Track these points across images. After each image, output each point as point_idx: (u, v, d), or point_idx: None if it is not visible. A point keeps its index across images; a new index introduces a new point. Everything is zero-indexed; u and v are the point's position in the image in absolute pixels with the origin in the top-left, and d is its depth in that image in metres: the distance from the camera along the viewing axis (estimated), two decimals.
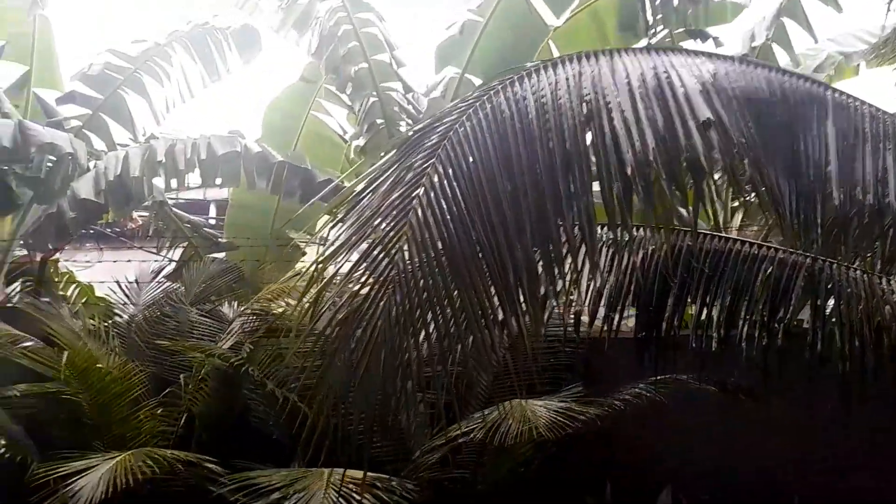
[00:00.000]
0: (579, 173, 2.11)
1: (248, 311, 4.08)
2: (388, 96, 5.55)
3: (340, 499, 2.68)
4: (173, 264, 6.03)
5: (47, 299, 5.46)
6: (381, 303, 2.09)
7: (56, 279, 6.77)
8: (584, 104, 2.24)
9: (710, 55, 2.69)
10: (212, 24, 5.94)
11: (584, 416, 3.21)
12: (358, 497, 2.71)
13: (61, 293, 6.59)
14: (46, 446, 3.68)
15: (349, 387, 2.74)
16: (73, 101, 5.85)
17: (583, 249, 2.31)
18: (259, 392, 3.85)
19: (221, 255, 5.80)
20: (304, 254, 6.37)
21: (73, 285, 7.44)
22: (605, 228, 2.52)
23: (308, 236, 6.25)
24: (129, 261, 5.69)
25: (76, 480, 2.91)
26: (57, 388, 3.80)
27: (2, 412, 3.53)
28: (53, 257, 5.90)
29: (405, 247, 1.97)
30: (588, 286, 2.93)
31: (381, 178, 2.26)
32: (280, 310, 3.90)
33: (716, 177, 2.50)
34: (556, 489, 3.86)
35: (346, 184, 5.22)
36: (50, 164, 5.36)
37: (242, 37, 6.05)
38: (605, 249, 2.86)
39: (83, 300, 6.84)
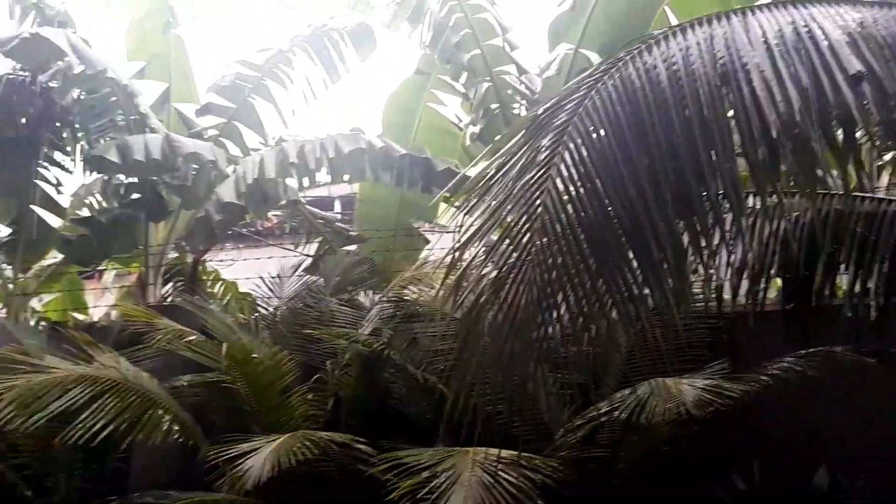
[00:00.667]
0: (720, 139, 2.03)
1: (385, 299, 4.25)
2: (502, 80, 5.56)
3: (487, 476, 2.75)
4: (309, 259, 6.40)
5: (199, 297, 5.97)
6: (518, 285, 2.12)
7: (204, 278, 7.36)
8: (719, 67, 2.15)
9: (853, 3, 2.50)
10: (329, 25, 6.19)
11: (731, 392, 3.09)
12: (504, 475, 2.77)
13: (210, 290, 7.18)
14: (211, 431, 4.03)
15: (487, 368, 2.80)
16: (210, 112, 6.31)
17: (723, 221, 2.24)
18: (399, 375, 4.01)
19: (353, 247, 6.07)
20: (427, 242, 6.55)
21: (220, 283, 8.08)
22: (751, 196, 2.42)
23: (430, 225, 6.43)
24: (269, 257, 6.08)
25: (243, 462, 3.16)
26: (217, 378, 4.13)
27: (173, 400, 3.88)
28: (202, 258, 6.38)
29: (540, 227, 1.98)
30: (728, 258, 2.82)
31: (511, 162, 2.29)
32: (414, 296, 4.03)
33: (857, 134, 2.33)
34: (701, 468, 3.76)
35: (464, 171, 5.31)
36: (194, 173, 5.84)
37: (358, 35, 6.26)
38: (748, 218, 2.73)
39: (229, 296, 7.41)
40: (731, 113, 2.08)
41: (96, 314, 8.61)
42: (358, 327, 4.35)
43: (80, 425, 3.35)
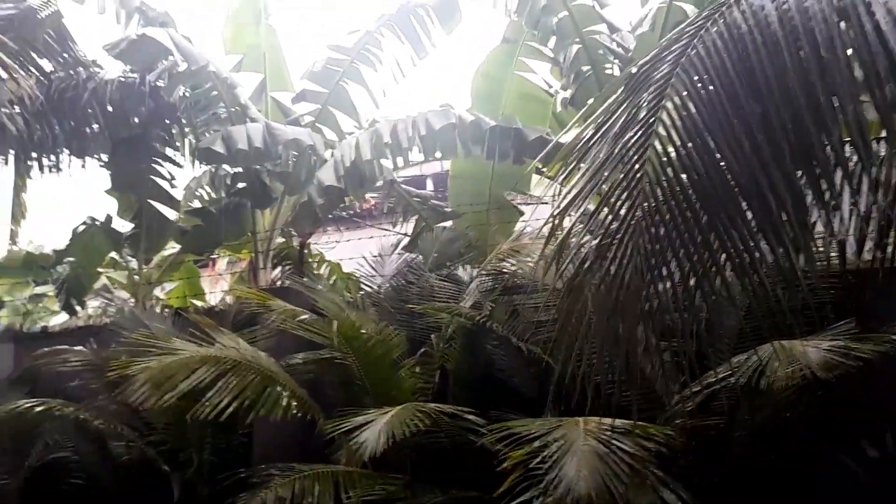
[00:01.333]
0: (841, 81, 1.87)
1: (483, 272, 4.26)
2: (593, 41, 5.37)
3: (600, 445, 2.72)
4: (407, 237, 6.52)
5: (307, 278, 6.22)
6: (623, 247, 2.06)
7: (310, 260, 7.65)
8: (835, 2, 1.98)
9: None
10: (414, 2, 6.19)
11: (860, 353, 2.88)
12: (618, 444, 2.73)
13: (316, 272, 7.46)
14: (326, 405, 4.20)
15: (593, 337, 2.74)
16: (304, 99, 6.49)
17: (847, 170, 2.07)
18: (502, 347, 4.02)
19: (448, 223, 6.11)
20: (521, 213, 6.49)
21: (325, 265, 8.38)
22: (878, 142, 2.22)
23: (524, 196, 6.36)
24: (370, 237, 6.23)
25: (359, 434, 3.27)
26: (329, 355, 4.30)
27: (289, 377, 4.07)
28: (307, 241, 6.61)
29: (645, 187, 1.91)
30: (854, 210, 2.61)
31: (609, 123, 2.21)
32: (513, 268, 4.02)
33: None
34: (827, 435, 3.54)
35: (556, 138, 5.20)
36: (293, 160, 6.04)
37: (443, 9, 6.22)
38: (875, 167, 2.51)
39: (334, 277, 7.68)
40: (851, 51, 1.92)
41: (213, 300, 9.18)
42: (459, 301, 4.39)
43: (207, 403, 3.56)
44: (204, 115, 6.29)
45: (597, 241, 2.07)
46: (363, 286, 5.39)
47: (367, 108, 6.56)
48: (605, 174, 2.01)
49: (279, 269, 7.63)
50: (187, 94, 6.25)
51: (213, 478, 4.58)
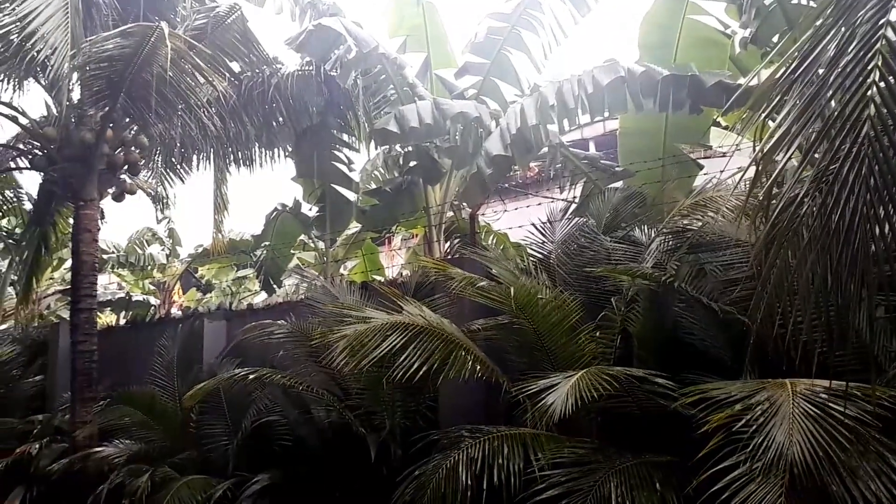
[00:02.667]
0: None
1: (665, 230, 4.06)
2: None
3: (813, 408, 2.49)
4: (574, 203, 6.39)
5: (478, 249, 6.34)
6: (841, 187, 1.84)
7: (477, 231, 7.79)
8: None
9: None
10: None
11: None
12: (834, 405, 2.49)
13: (483, 243, 7.58)
14: (505, 370, 4.26)
15: (797, 294, 2.52)
16: (467, 73, 6.56)
17: None
18: (689, 307, 3.82)
19: (619, 183, 5.90)
20: (699, 167, 6.09)
21: (492, 235, 8.50)
22: None
23: (702, 148, 5.96)
24: (538, 204, 6.18)
25: (544, 397, 3.28)
26: (507, 321, 4.34)
27: (471, 342, 4.17)
28: (477, 212, 6.72)
29: (871, 115, 1.69)
30: None
31: (818, 50, 1.98)
32: (698, 224, 3.78)
33: None
34: None
35: (744, 81, 4.79)
36: (460, 133, 6.15)
37: None
38: None
39: (501, 246, 7.76)
40: None
41: (390, 274, 9.68)
42: (637, 262, 4.23)
43: (400, 366, 3.75)
44: (375, 98, 6.58)
45: (808, 181, 1.87)
46: (533, 253, 5.37)
47: (530, 74, 6.50)
48: (818, 107, 1.80)
49: (451, 241, 7.86)
50: (359, 79, 6.58)
51: (405, 439, 4.85)
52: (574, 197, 6.82)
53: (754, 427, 2.57)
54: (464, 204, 7.60)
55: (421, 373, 3.78)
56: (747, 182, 2.34)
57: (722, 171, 4.92)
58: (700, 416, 2.88)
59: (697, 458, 2.76)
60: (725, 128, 7.00)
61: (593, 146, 10.74)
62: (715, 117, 6.18)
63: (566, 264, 4.82)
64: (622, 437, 3.70)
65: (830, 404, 2.52)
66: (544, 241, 5.27)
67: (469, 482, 3.36)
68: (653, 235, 4.37)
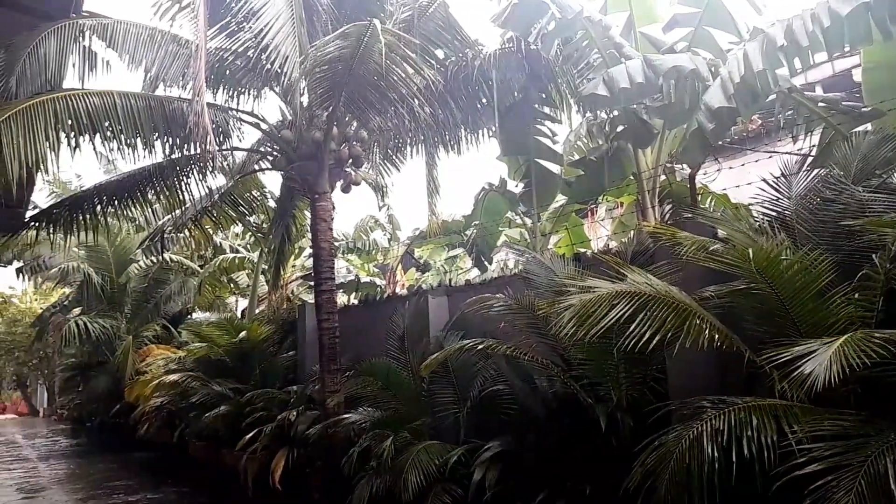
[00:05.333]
0: None
1: None
2: None
3: None
4: (805, 155, 5.74)
5: (700, 210, 5.95)
6: None
7: (698, 193, 7.34)
8: None
9: None
10: None
11: None
12: None
13: (702, 206, 7.12)
14: (743, 339, 3.96)
15: None
16: (677, 25, 6.17)
17: None
18: None
19: (867, 126, 5.18)
20: None
21: (709, 197, 7.96)
22: None
23: None
24: (756, 161, 5.66)
25: (802, 365, 3.00)
26: (745, 286, 4.03)
27: (706, 312, 3.94)
28: (697, 171, 6.33)
29: None
30: None
31: None
32: None
33: None
34: None
35: None
36: (672, 90, 5.80)
37: None
38: None
39: (721, 209, 7.22)
40: None
41: (595, 246, 9.49)
42: None
43: (631, 335, 3.67)
44: (578, 66, 6.45)
45: None
46: (767, 211, 4.92)
47: (748, 17, 5.92)
48: None
49: (664, 206, 7.49)
50: (560, 49, 6.49)
51: (634, 411, 4.75)
52: (802, 149, 6.13)
53: None
54: (679, 166, 7.21)
55: (652, 344, 3.66)
56: None
57: None
58: None
59: None
60: None
61: (821, 91, 9.58)
62: None
63: (808, 221, 4.36)
64: (890, 409, 3.29)
65: None
66: (779, 198, 4.81)
67: (716, 454, 3.20)
68: None
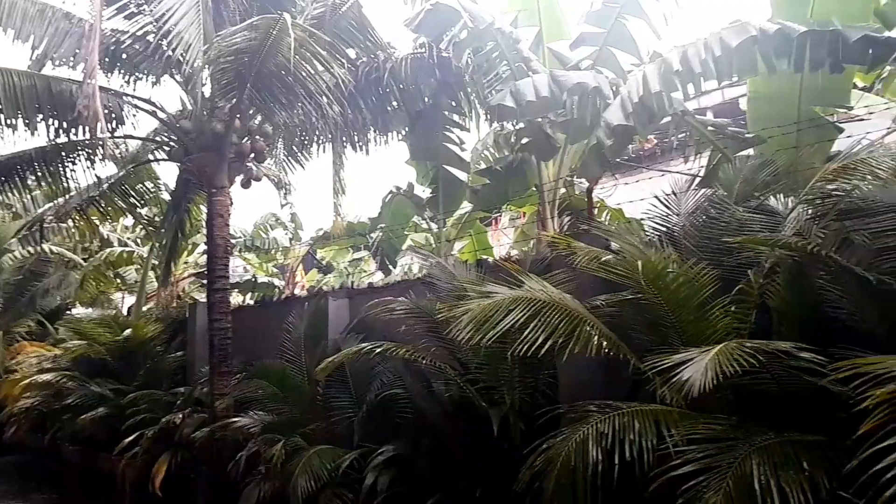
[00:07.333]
0: None
1: (808, 196, 3.79)
2: None
3: None
4: (693, 175, 6.09)
5: (595, 223, 6.18)
6: None
7: (594, 207, 7.63)
8: None
9: None
10: None
11: None
12: None
13: (598, 219, 7.41)
14: (630, 346, 4.14)
15: None
16: (583, 43, 6.40)
17: None
18: (837, 279, 3.56)
19: (750, 151, 5.57)
20: (839, 130, 5.66)
21: (605, 211, 8.30)
22: None
23: (844, 109, 5.52)
24: (650, 178, 5.95)
25: (681, 371, 3.17)
26: (633, 296, 4.22)
27: (595, 318, 4.09)
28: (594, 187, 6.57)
29: None
30: None
31: None
32: (847, 187, 3.50)
33: None
34: None
35: (879, 34, 4.36)
36: (575, 106, 6.00)
37: None
38: None
39: (616, 223, 7.55)
40: None
41: (498, 253, 9.69)
42: (774, 233, 3.98)
43: (524, 340, 3.74)
44: (487, 76, 6.56)
45: None
46: (657, 226, 5.18)
47: (649, 41, 6.24)
48: None
49: (564, 218, 7.74)
50: (471, 58, 6.58)
51: (526, 415, 4.85)
52: (692, 169, 6.51)
53: None
54: (578, 180, 7.47)
55: (544, 349, 3.75)
56: None
57: (868, 133, 4.54)
58: (854, 394, 2.68)
59: (855, 438, 2.57)
60: (863, 89, 6.45)
61: (711, 116, 10.24)
62: (856, 77, 5.69)
63: (694, 237, 4.62)
64: (758, 415, 3.53)
65: None
66: (668, 214, 5.08)
67: (600, 456, 3.31)
68: (792, 203, 4.09)
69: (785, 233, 3.81)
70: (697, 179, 5.44)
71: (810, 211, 3.89)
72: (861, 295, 3.46)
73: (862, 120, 6.06)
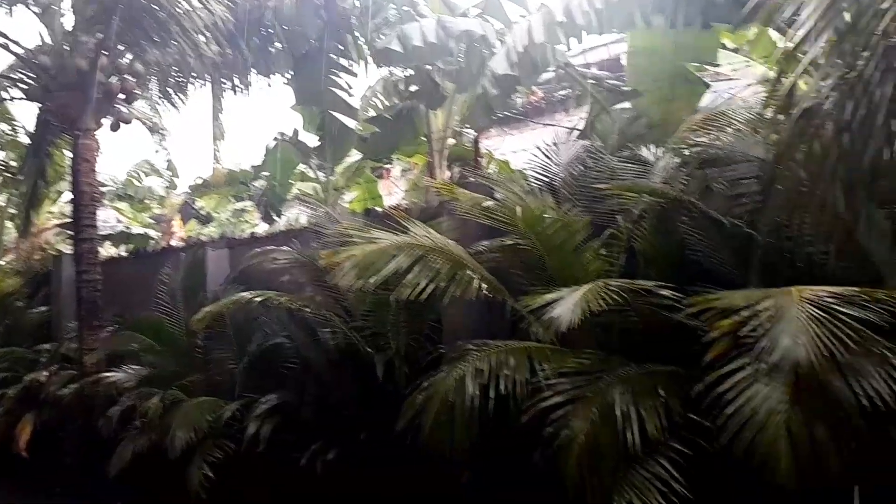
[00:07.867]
0: None
1: (674, 146, 4.03)
2: None
3: (821, 312, 2.53)
4: (576, 129, 6.29)
5: (481, 173, 6.27)
6: (864, 89, 1.81)
7: (481, 157, 7.74)
8: None
9: None
10: None
11: None
12: (841, 309, 2.53)
13: (485, 170, 7.53)
14: (510, 290, 4.29)
15: (804, 207, 2.51)
16: None
17: None
18: (697, 223, 3.83)
19: (627, 104, 5.79)
20: (707, 86, 5.98)
21: (492, 162, 8.44)
22: None
23: (711, 66, 5.82)
24: (534, 130, 6.09)
25: (552, 309, 3.32)
26: (512, 241, 4.35)
27: (477, 263, 4.20)
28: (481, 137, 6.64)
29: None
30: None
31: None
32: (709, 139, 3.75)
33: None
34: None
35: None
36: (461, 56, 5.99)
37: None
38: None
39: (502, 174, 7.70)
40: None
41: (389, 203, 9.66)
42: (644, 181, 4.21)
43: (406, 284, 3.78)
44: (375, 20, 6.40)
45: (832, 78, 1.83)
46: (538, 176, 5.33)
47: None
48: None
49: (453, 168, 7.81)
50: (358, 1, 6.39)
51: (411, 359, 4.94)
52: (576, 122, 6.70)
53: (760, 332, 2.60)
54: (466, 130, 7.52)
55: (427, 293, 3.82)
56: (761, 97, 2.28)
57: (731, 89, 4.84)
58: (704, 328, 2.92)
59: (703, 366, 2.81)
60: (734, 50, 6.83)
61: (596, 70, 10.56)
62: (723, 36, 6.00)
63: (571, 185, 4.80)
64: (625, 350, 3.78)
65: (836, 307, 2.55)
66: (548, 164, 5.23)
67: (476, 391, 3.44)
68: (661, 153, 4.33)
69: (654, 181, 4.04)
70: (577, 132, 5.60)
71: (677, 160, 4.15)
72: (718, 238, 3.74)
73: (731, 79, 6.46)
